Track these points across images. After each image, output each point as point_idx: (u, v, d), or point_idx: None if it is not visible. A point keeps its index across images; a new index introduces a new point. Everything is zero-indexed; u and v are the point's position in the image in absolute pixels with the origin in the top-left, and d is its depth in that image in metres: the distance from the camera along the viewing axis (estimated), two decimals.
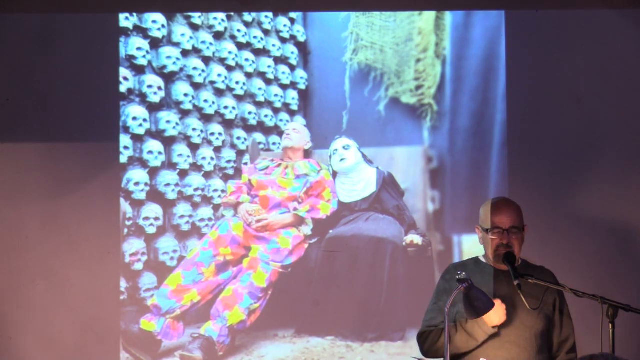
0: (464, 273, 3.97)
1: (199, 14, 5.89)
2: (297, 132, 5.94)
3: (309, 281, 5.84)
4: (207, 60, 5.91)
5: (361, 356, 5.78)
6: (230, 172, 5.90)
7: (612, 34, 5.80)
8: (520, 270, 4.10)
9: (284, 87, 5.96)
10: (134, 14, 5.83)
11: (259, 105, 5.94)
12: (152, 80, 5.83)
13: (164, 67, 5.85)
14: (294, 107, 5.96)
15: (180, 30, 5.87)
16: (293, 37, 5.97)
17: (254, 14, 5.94)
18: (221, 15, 5.91)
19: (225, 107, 5.91)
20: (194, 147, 5.88)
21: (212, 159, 5.88)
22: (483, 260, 4.24)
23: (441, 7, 5.87)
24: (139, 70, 5.82)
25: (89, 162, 5.79)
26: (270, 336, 5.82)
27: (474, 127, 5.86)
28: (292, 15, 5.95)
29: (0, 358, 5.69)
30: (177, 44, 5.87)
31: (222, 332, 5.76)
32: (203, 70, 5.89)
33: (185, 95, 5.87)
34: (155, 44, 5.85)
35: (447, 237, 5.83)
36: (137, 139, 5.82)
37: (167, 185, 5.83)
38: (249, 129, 5.94)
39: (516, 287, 4.00)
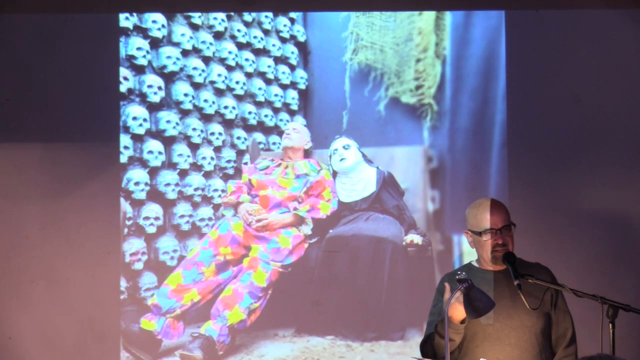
0: (464, 273, 3.97)
1: (199, 14, 5.89)
2: (297, 131, 5.94)
3: (309, 281, 5.84)
4: (207, 60, 5.91)
5: (361, 356, 5.78)
6: (230, 171, 5.91)
7: (612, 34, 5.80)
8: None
9: (284, 87, 5.96)
10: (134, 14, 5.83)
11: (259, 105, 5.94)
12: (152, 80, 5.83)
13: (164, 67, 5.85)
14: (294, 107, 5.96)
15: (180, 30, 5.87)
16: (293, 37, 5.97)
17: (254, 14, 5.94)
18: (221, 15, 5.91)
19: (225, 107, 5.91)
20: (194, 147, 5.88)
21: (212, 158, 5.88)
22: (476, 264, 4.23)
23: (441, 7, 5.87)
24: (139, 70, 5.82)
25: (89, 162, 5.79)
26: (270, 335, 5.82)
27: (474, 127, 5.86)
28: (292, 15, 5.95)
29: (0, 358, 5.70)
30: (177, 44, 5.87)
31: (222, 332, 5.76)
32: (203, 70, 5.89)
33: (185, 95, 5.87)
34: (155, 43, 5.85)
35: (447, 236, 5.83)
36: (137, 138, 5.82)
37: (167, 185, 5.83)
38: (249, 128, 5.94)
39: (516, 287, 4.00)
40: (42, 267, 5.76)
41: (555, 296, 4.17)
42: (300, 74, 5.96)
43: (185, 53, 5.88)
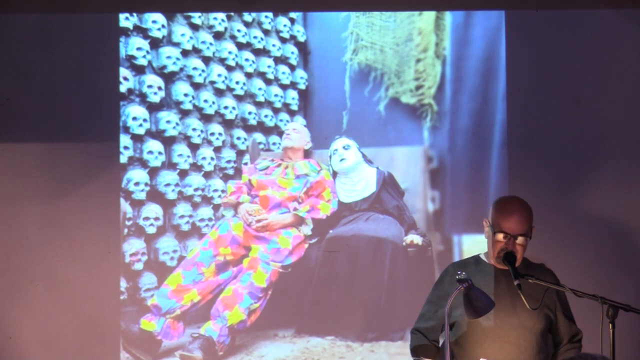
0: (464, 273, 3.97)
1: (199, 14, 5.89)
2: (297, 132, 5.94)
3: (309, 281, 5.84)
4: (207, 60, 5.91)
5: (361, 356, 5.78)
6: (230, 172, 5.90)
7: (612, 34, 5.80)
8: (520, 270, 4.09)
9: (284, 87, 5.96)
10: (134, 14, 5.83)
11: (259, 105, 5.94)
12: (152, 80, 5.83)
13: (164, 67, 5.85)
14: (294, 107, 5.96)
15: (180, 30, 5.88)
16: (293, 37, 5.97)
17: (254, 14, 5.94)
18: (221, 15, 5.91)
19: (225, 107, 5.91)
20: (194, 147, 5.88)
21: (212, 159, 5.88)
22: (484, 258, 4.22)
23: (441, 7, 5.87)
24: (139, 70, 5.82)
25: (89, 162, 5.79)
26: (270, 336, 5.82)
27: (474, 127, 5.86)
28: (292, 15, 5.95)
29: (0, 358, 5.70)
30: (177, 44, 5.87)
31: (222, 332, 5.76)
32: (203, 70, 5.89)
33: (185, 95, 5.87)
34: (155, 44, 5.85)
35: (447, 237, 5.83)
36: (137, 139, 5.82)
37: (167, 185, 5.83)
38: (249, 129, 5.94)
39: (516, 287, 4.00)
40: (42, 267, 5.76)
41: (561, 300, 4.18)
42: (300, 74, 5.96)
43: (185, 53, 5.88)
